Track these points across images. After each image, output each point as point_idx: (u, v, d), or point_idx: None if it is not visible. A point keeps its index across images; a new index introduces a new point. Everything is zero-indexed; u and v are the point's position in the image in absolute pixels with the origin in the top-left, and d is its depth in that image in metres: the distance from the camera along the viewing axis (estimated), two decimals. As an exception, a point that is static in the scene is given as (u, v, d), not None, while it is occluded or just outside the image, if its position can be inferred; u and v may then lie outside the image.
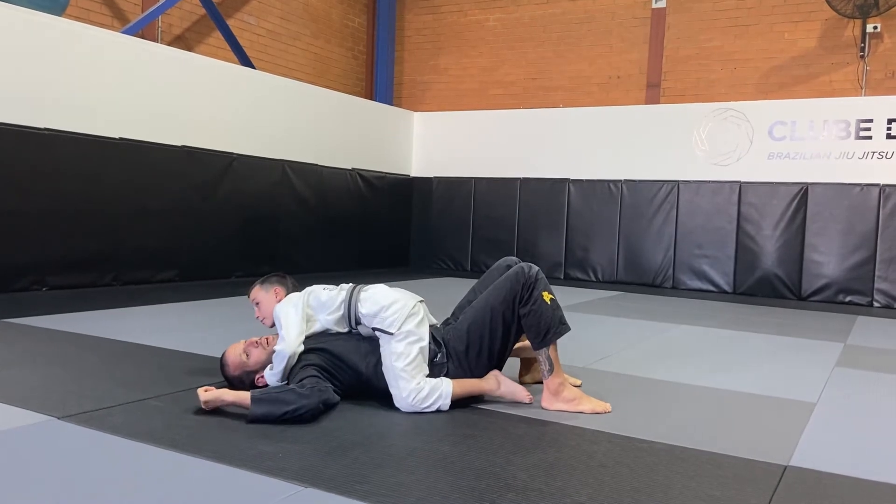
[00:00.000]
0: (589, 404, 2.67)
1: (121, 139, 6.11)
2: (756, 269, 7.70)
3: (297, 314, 2.65)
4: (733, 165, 7.86)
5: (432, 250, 9.54)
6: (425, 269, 9.41)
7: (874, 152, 7.27)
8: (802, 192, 7.48)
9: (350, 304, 2.68)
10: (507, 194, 9.04)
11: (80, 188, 5.80)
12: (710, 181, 7.93)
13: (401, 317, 2.65)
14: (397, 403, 2.55)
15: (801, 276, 7.50)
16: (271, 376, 2.62)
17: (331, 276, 8.11)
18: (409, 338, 2.62)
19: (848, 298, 7.29)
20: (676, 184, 8.09)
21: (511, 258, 3.04)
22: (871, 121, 7.28)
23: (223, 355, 2.72)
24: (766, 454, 2.24)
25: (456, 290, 7.40)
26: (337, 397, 2.52)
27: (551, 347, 2.67)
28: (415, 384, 2.54)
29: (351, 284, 2.81)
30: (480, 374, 2.72)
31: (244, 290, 6.49)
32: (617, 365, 3.58)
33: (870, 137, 7.28)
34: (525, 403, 2.66)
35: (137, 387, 2.73)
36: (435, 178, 9.56)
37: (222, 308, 5.13)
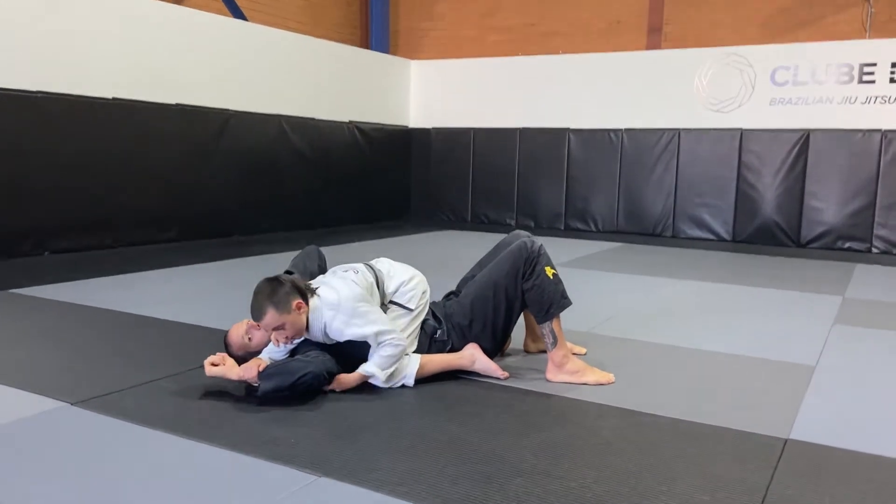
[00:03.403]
0: (592, 376, 2.71)
1: (114, 99, 6.02)
2: (756, 217, 7.70)
3: (374, 309, 2.55)
4: (735, 112, 7.77)
5: (432, 203, 9.51)
6: (426, 221, 9.40)
7: (877, 97, 7.18)
8: (804, 139, 7.42)
9: (379, 282, 2.67)
10: (507, 145, 8.96)
11: (75, 150, 5.75)
12: (711, 129, 7.86)
13: (417, 293, 2.69)
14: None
15: (800, 223, 7.51)
16: (277, 353, 2.64)
17: (332, 231, 8.13)
18: (416, 317, 2.69)
19: (847, 245, 7.31)
20: (677, 132, 8.02)
21: (521, 233, 3.04)
22: (874, 65, 7.17)
23: (226, 335, 2.73)
24: (766, 426, 2.29)
25: (458, 244, 7.45)
26: (337, 367, 2.53)
27: (554, 321, 2.70)
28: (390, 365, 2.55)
29: (360, 265, 2.73)
30: (485, 347, 2.76)
31: (245, 249, 6.47)
32: (618, 328, 3.62)
33: (873, 82, 7.18)
34: (501, 379, 2.67)
35: (146, 366, 2.77)
36: (433, 129, 9.46)
37: (225, 272, 5.15)
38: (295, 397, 2.38)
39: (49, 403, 2.35)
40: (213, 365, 2.48)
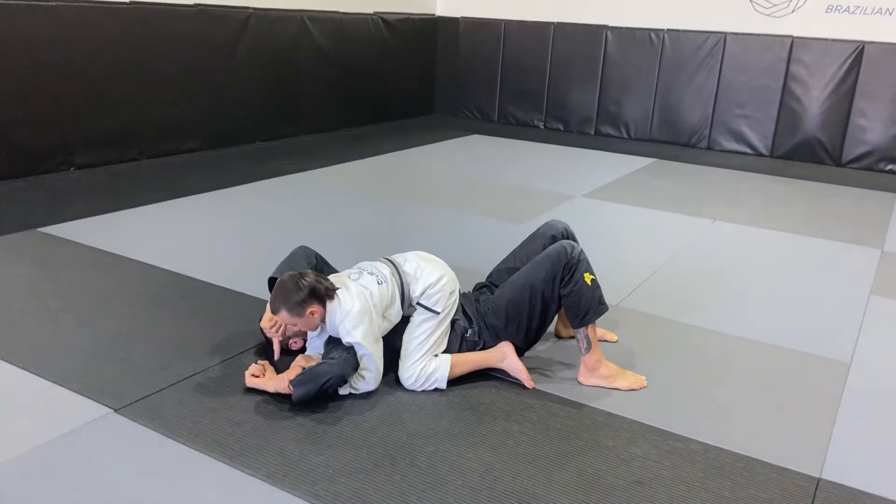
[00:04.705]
0: (625, 381, 2.71)
1: (132, 3, 5.71)
2: (797, 132, 7.39)
3: (377, 343, 2.54)
4: (787, 18, 7.25)
5: (458, 99, 9.20)
6: (450, 118, 9.14)
7: (945, 7, 6.64)
8: (858, 52, 6.96)
9: (403, 288, 2.62)
10: (539, 40, 8.51)
11: (94, 60, 5.54)
12: (760, 34, 7.37)
13: (444, 295, 2.64)
14: (400, 373, 2.61)
15: (843, 141, 7.21)
16: (316, 342, 2.68)
17: (355, 131, 7.95)
18: (444, 318, 2.65)
19: (889, 167, 7.05)
20: (724, 36, 7.54)
21: (557, 225, 2.94)
22: (947, -30, 6.58)
23: (261, 319, 2.75)
24: (798, 460, 2.31)
25: (485, 152, 7.26)
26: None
27: (590, 326, 2.67)
28: (420, 367, 2.58)
29: (387, 269, 2.64)
30: (517, 346, 2.75)
31: (269, 163, 6.39)
32: (645, 301, 3.57)
33: (942, -9, 6.61)
34: (526, 388, 2.66)
35: (184, 352, 2.80)
36: (462, 18, 8.96)
37: (255, 204, 5.09)
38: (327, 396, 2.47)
39: (92, 410, 2.39)
40: (254, 376, 2.52)
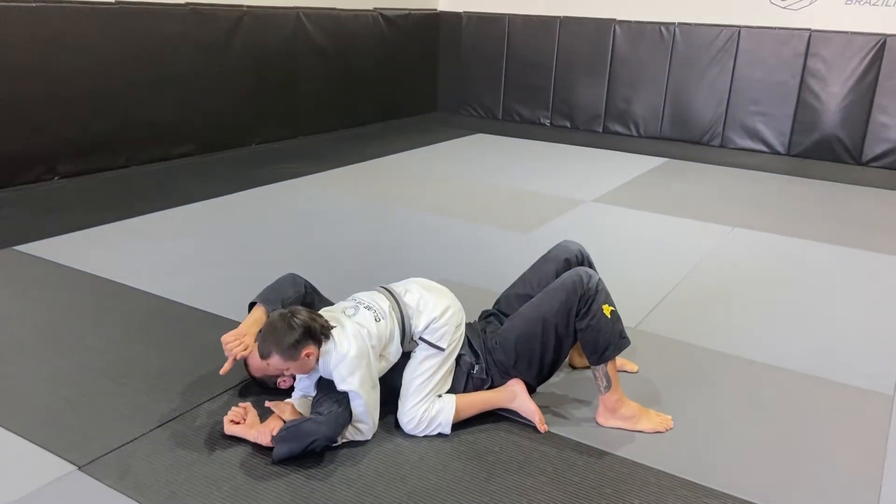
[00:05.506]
0: (649, 423, 2.44)
1: (118, 3, 5.44)
2: (815, 129, 7.09)
3: (374, 390, 2.28)
4: (805, 10, 6.94)
5: (461, 96, 8.91)
6: (453, 116, 8.86)
7: (971, -3, 6.33)
8: (880, 46, 6.65)
9: (404, 322, 2.36)
10: (545, 35, 8.21)
11: (79, 64, 5.27)
12: (776, 28, 7.06)
13: (450, 329, 2.38)
14: (399, 416, 2.35)
15: (864, 139, 6.91)
16: (305, 381, 2.41)
17: (355, 132, 7.67)
18: (450, 355, 2.39)
19: (912, 166, 6.76)
20: (738, 30, 7.23)
21: (571, 247, 2.67)
22: (974, -41, 6.26)
23: (246, 358, 2.49)
24: (848, 519, 2.05)
25: (489, 153, 6.97)
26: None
27: (610, 363, 2.40)
28: (422, 410, 2.32)
29: (387, 305, 2.36)
30: (528, 384, 2.49)
31: (265, 167, 6.15)
32: (664, 324, 3.29)
33: (970, -20, 6.30)
34: (540, 431, 2.39)
35: (161, 391, 2.54)
36: (465, 13, 8.67)
37: (248, 213, 4.83)
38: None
39: (55, 468, 2.13)
40: (233, 422, 2.26)
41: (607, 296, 2.39)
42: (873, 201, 5.70)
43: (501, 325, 2.57)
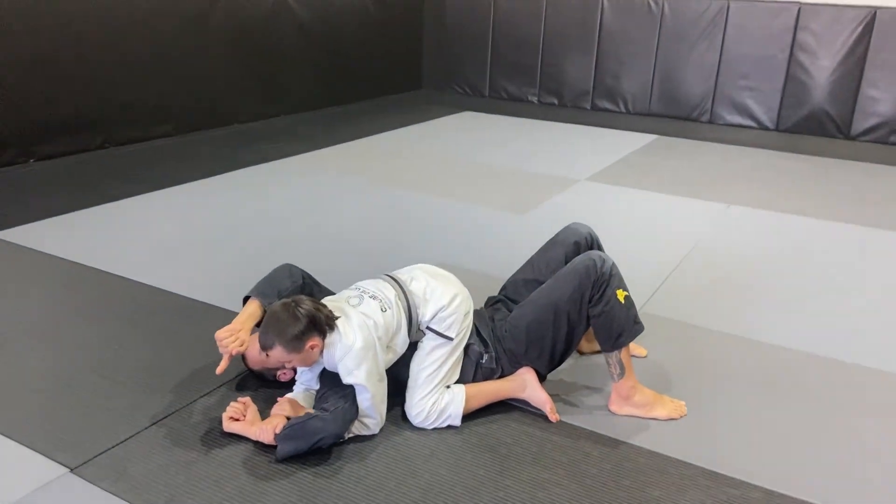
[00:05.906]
0: (663, 409, 2.37)
1: (90, -23, 5.21)
2: (804, 104, 7.04)
3: (381, 382, 2.17)
4: (795, -17, 6.85)
5: (447, 73, 8.74)
6: (440, 93, 8.70)
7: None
8: (869, 18, 6.59)
9: (410, 312, 2.25)
10: (532, 10, 8.06)
11: (54, 42, 5.04)
12: (765, 1, 6.98)
13: (459, 318, 2.28)
14: (407, 409, 2.26)
15: (853, 113, 6.87)
16: (308, 374, 2.30)
17: (340, 110, 7.49)
18: (458, 345, 2.29)
19: (901, 140, 6.74)
20: (727, 3, 7.14)
21: (580, 230, 2.57)
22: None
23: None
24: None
25: (478, 131, 6.84)
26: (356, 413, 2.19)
27: (623, 349, 2.32)
28: (431, 402, 2.23)
29: (392, 294, 2.24)
30: (538, 372, 2.41)
31: (250, 148, 5.98)
32: (669, 306, 3.22)
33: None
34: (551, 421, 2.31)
35: (155, 386, 2.42)
36: (449, -13, 8.47)
37: (235, 196, 4.67)
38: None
39: (48, 471, 2.01)
40: (233, 419, 2.15)
41: (621, 280, 2.30)
42: (862, 175, 5.67)
43: (510, 311, 2.48)
